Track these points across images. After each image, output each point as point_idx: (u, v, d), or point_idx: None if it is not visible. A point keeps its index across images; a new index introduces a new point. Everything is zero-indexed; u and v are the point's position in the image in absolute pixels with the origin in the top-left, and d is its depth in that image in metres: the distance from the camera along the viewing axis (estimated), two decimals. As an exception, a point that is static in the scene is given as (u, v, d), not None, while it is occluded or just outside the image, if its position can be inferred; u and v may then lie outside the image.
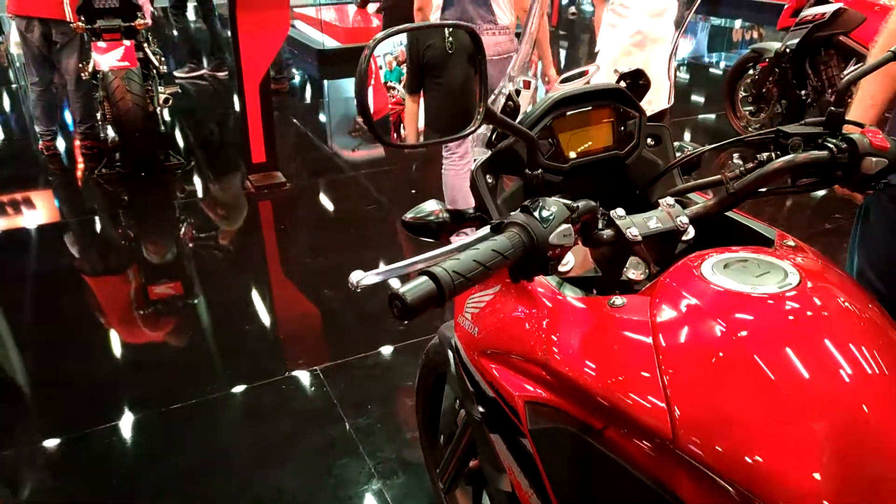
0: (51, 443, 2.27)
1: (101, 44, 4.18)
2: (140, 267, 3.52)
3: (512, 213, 0.81)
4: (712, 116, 5.79)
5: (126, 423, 2.35)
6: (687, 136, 5.51)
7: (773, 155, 1.03)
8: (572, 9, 8.74)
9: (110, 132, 4.38)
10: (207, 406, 2.43)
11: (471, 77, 0.90)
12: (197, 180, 4.48)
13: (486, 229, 0.85)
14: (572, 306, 0.92)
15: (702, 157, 1.20)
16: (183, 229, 3.90)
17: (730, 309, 0.83)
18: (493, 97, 1.11)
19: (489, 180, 1.09)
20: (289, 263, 3.62)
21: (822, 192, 4.00)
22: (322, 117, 6.09)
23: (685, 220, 1.02)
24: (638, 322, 0.86)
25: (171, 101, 4.91)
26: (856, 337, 0.82)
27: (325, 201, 4.27)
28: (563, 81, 1.22)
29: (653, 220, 1.00)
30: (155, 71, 4.78)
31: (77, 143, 4.82)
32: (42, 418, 2.41)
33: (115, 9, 4.24)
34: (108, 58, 4.16)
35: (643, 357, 0.83)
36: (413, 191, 4.39)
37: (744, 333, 0.81)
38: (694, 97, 6.65)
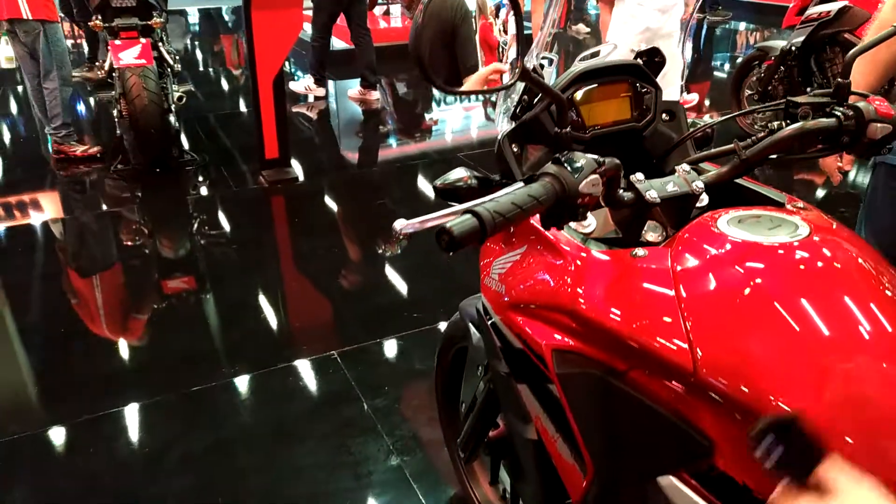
0: (82, 421, 2.34)
1: (118, 42, 4.26)
2: (161, 257, 3.60)
3: (545, 166, 0.88)
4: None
5: (151, 404, 2.43)
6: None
7: (783, 124, 1.10)
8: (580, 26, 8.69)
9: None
10: (228, 388, 2.50)
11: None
12: (211, 176, 4.55)
13: (518, 183, 0.92)
14: (597, 258, 0.99)
15: (714, 132, 1.27)
16: (199, 222, 3.97)
17: (744, 256, 0.90)
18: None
19: (514, 149, 1.16)
20: (303, 254, 3.69)
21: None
22: (331, 116, 6.16)
23: (700, 185, 1.09)
24: (659, 270, 0.93)
25: (184, 100, 5.00)
26: (863, 279, 0.88)
27: (337, 196, 4.34)
28: (581, 60, 1.29)
29: (670, 185, 1.07)
30: (170, 69, 4.87)
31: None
32: (74, 397, 2.47)
33: (132, 7, 4.32)
34: (124, 55, 4.24)
35: (665, 301, 0.90)
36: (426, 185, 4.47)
37: (758, 277, 0.87)
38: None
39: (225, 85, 7.12)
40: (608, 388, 0.96)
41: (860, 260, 0.92)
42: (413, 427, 2.30)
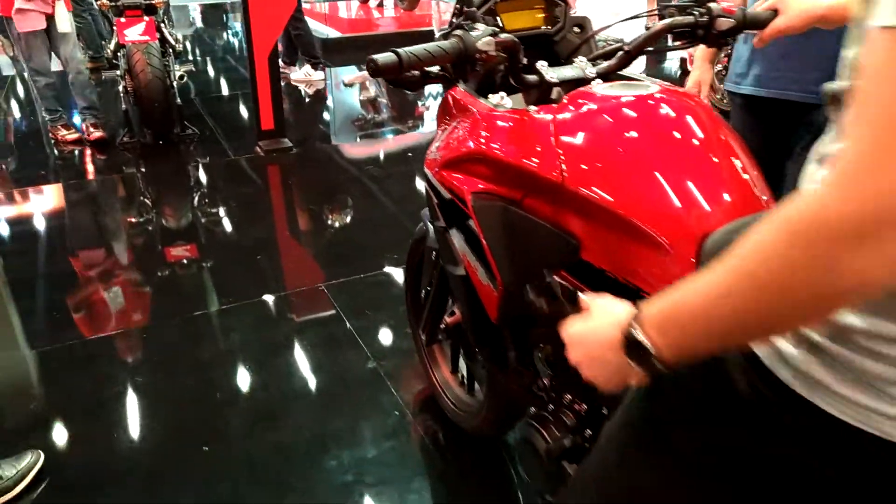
0: (96, 337, 2.65)
1: (124, 20, 4.56)
2: (167, 214, 3.90)
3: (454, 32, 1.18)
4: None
5: (160, 326, 2.73)
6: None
7: (656, 23, 1.40)
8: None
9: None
10: (228, 312, 2.81)
11: None
12: (211, 146, 4.84)
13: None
14: (502, 115, 1.29)
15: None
16: (202, 184, 4.28)
17: (605, 102, 1.20)
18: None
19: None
20: (296, 209, 4.01)
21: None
22: (327, 99, 6.47)
23: (593, 72, 1.39)
24: (545, 118, 1.22)
25: (185, 79, 5.30)
26: (696, 119, 1.18)
27: (329, 163, 4.65)
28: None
29: (568, 70, 1.37)
30: (171, 49, 5.17)
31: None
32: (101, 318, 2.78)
33: (136, -13, 4.63)
34: (130, 33, 4.55)
35: (545, 139, 1.19)
36: (410, 154, 4.77)
37: (612, 115, 1.17)
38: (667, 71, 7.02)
39: (224, 68, 7.43)
40: (509, 213, 1.26)
41: (696, 106, 1.21)
42: (389, 339, 2.60)
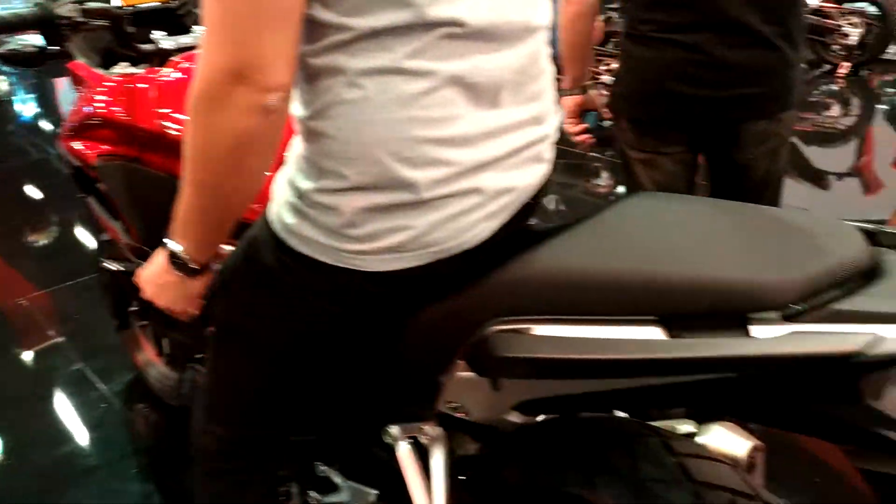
0: None
1: None
2: None
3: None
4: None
5: None
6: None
7: None
8: None
9: None
10: None
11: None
12: None
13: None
14: (114, 80, 1.39)
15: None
16: None
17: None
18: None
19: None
20: None
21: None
22: (35, 109, 6.01)
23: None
24: (150, 79, 1.34)
25: None
26: None
27: (33, 175, 4.35)
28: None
29: (186, 38, 1.49)
30: None
31: None
32: None
33: None
34: None
35: (149, 96, 1.31)
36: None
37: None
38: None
39: None
40: (129, 170, 1.36)
41: None
42: (96, 339, 2.54)
